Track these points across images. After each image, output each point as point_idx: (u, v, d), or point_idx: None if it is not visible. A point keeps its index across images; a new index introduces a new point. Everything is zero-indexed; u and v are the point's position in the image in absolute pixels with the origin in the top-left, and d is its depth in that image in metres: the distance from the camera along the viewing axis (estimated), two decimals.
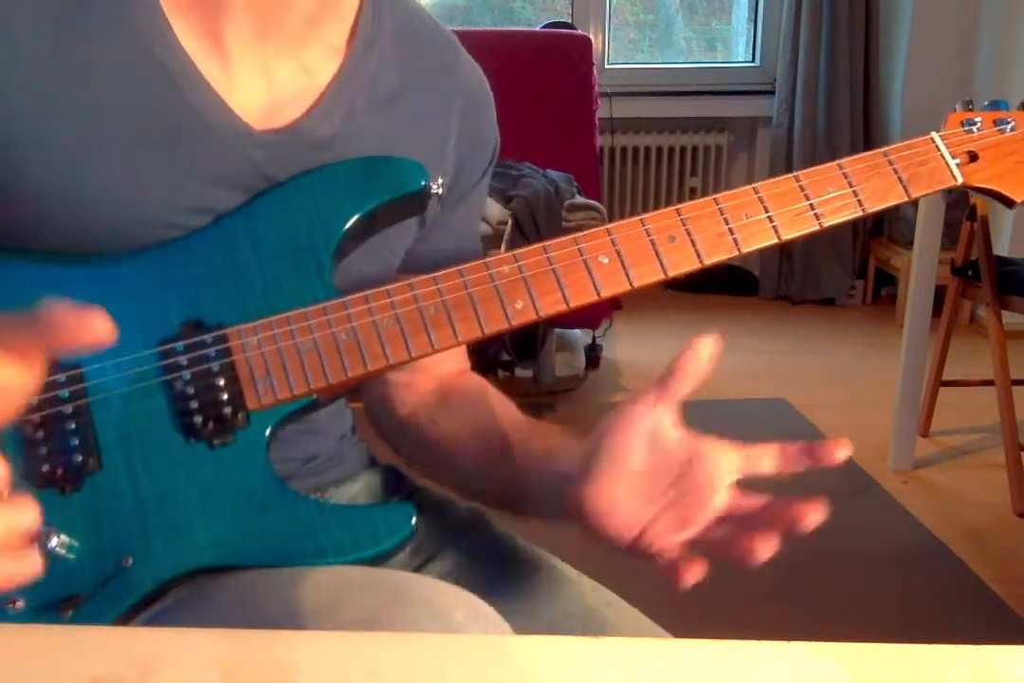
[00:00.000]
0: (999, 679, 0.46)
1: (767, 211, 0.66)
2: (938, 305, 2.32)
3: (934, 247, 2.24)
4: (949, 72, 3.43)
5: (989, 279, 2.24)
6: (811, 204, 0.67)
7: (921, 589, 1.91)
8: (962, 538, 2.08)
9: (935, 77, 3.43)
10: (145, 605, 0.61)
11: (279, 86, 0.67)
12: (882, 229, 3.88)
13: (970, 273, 2.35)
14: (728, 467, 0.57)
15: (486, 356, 2.75)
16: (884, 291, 3.94)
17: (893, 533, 2.12)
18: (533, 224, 2.54)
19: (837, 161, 0.69)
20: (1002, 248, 3.21)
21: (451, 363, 0.80)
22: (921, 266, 2.26)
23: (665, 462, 0.58)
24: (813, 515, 0.54)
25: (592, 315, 2.71)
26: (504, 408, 0.74)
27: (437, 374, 0.78)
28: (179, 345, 0.62)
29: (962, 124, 0.73)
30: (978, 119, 0.73)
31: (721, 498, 0.57)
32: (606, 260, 0.64)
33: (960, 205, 2.67)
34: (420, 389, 0.78)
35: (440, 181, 0.71)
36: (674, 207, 0.66)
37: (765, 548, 0.53)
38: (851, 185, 0.68)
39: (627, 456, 0.57)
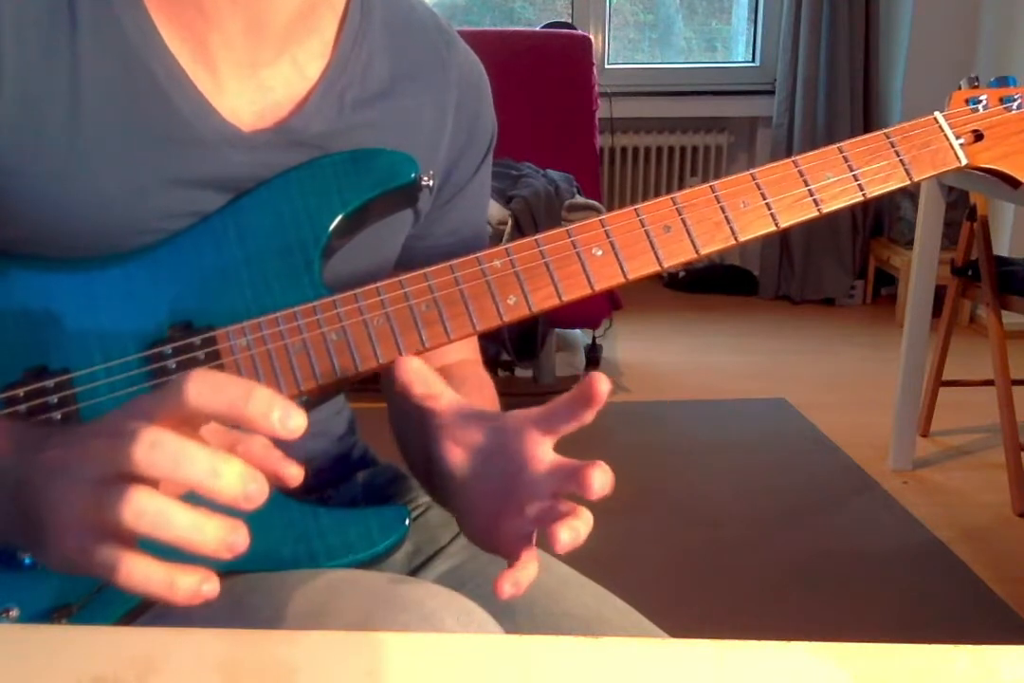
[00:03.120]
0: (999, 679, 0.46)
1: (765, 198, 0.65)
2: (938, 305, 2.32)
3: (934, 247, 2.24)
4: (949, 72, 3.42)
5: (989, 279, 2.24)
6: (810, 190, 0.65)
7: (921, 589, 1.91)
8: (962, 538, 2.08)
9: (935, 77, 3.42)
10: (138, 612, 0.60)
11: (269, 86, 0.66)
12: (882, 229, 3.87)
13: (970, 273, 2.35)
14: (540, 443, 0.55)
15: (486, 355, 2.74)
16: (884, 291, 3.94)
17: (893, 533, 2.12)
18: (533, 224, 2.55)
19: (837, 144, 0.67)
20: (1002, 248, 3.21)
21: (460, 354, 0.79)
22: (921, 266, 2.26)
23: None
24: (598, 475, 0.50)
25: (592, 315, 2.71)
26: (477, 400, 0.72)
27: (444, 362, 0.78)
28: (168, 348, 0.61)
29: (967, 102, 0.70)
30: (983, 97, 0.70)
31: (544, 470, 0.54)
32: (600, 252, 0.63)
33: (960, 205, 2.67)
34: None
35: (432, 173, 0.70)
36: (669, 196, 0.64)
37: (566, 533, 0.50)
38: (851, 169, 0.66)
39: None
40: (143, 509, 0.43)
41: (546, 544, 0.51)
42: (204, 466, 0.43)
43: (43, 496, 0.48)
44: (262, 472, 0.50)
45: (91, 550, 0.45)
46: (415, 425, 0.65)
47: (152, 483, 0.44)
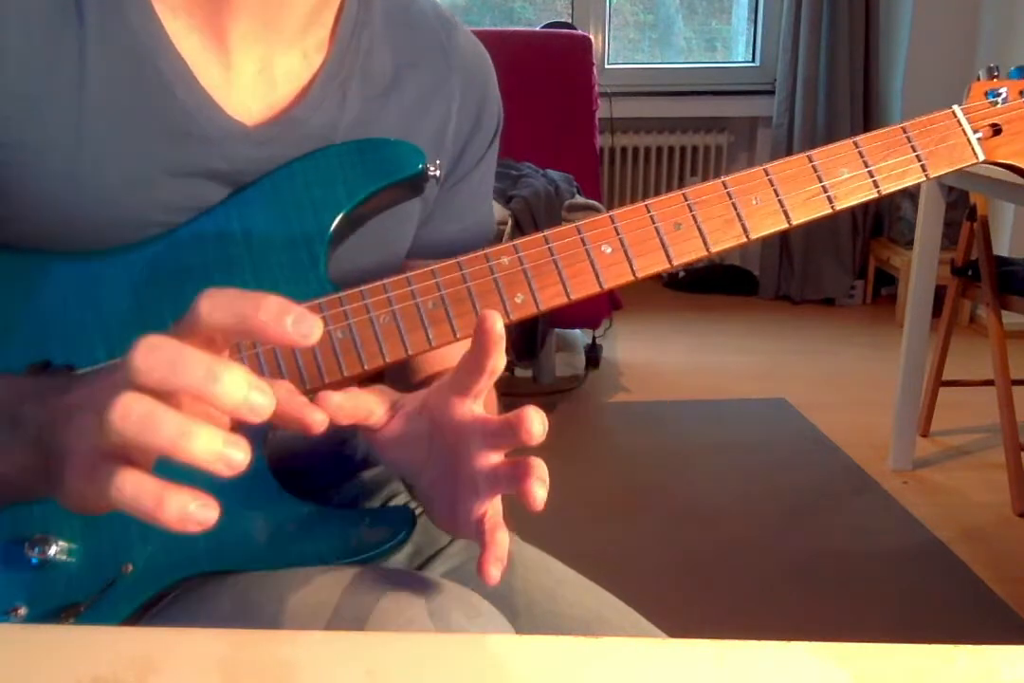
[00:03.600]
0: (999, 679, 0.46)
1: (778, 195, 0.63)
2: (938, 305, 2.32)
3: (934, 247, 2.24)
4: (949, 72, 3.42)
5: (989, 279, 2.24)
6: (823, 186, 0.64)
7: (921, 589, 1.91)
8: (962, 538, 2.08)
9: (935, 77, 3.43)
10: (145, 610, 0.60)
11: (279, 79, 0.66)
12: (882, 229, 3.88)
13: (970, 273, 2.35)
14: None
15: None
16: (884, 291, 3.94)
17: (893, 533, 2.12)
18: (533, 224, 2.54)
19: (853, 138, 0.65)
20: (1002, 248, 3.21)
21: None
22: (921, 266, 2.26)
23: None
24: (535, 416, 0.48)
25: (592, 315, 2.71)
26: None
27: (444, 366, 0.77)
28: None
29: (986, 94, 0.68)
30: (1003, 89, 0.68)
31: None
32: (609, 250, 0.62)
33: (960, 205, 2.67)
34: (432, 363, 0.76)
35: (439, 163, 0.69)
36: (680, 192, 0.63)
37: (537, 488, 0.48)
38: (866, 165, 0.65)
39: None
40: (129, 410, 0.40)
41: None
42: (201, 369, 0.40)
43: (66, 430, 0.47)
44: (286, 417, 0.48)
45: (96, 471, 0.43)
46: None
47: (163, 398, 0.41)
